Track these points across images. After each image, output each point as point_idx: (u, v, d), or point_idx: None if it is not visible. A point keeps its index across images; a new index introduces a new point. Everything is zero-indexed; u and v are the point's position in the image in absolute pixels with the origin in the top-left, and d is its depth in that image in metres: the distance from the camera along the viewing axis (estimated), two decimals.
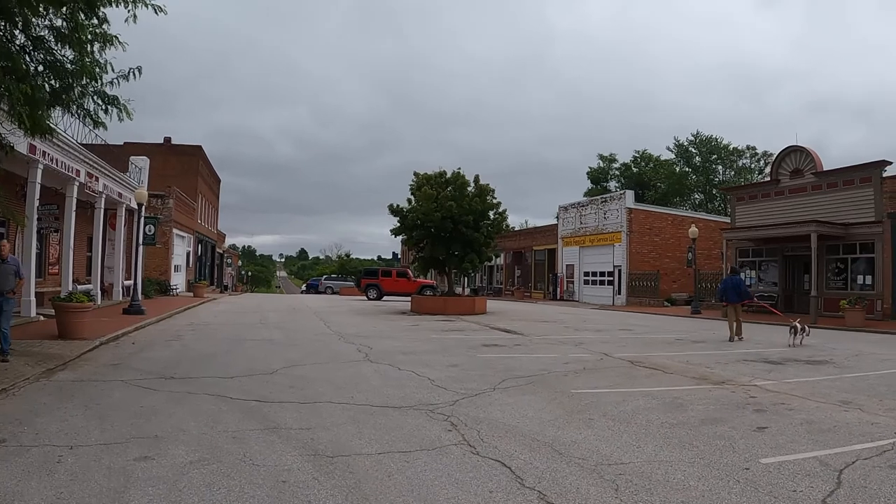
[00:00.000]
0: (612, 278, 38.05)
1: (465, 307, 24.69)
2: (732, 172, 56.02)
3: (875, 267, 20.77)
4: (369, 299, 35.43)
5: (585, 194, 59.81)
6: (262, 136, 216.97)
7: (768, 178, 25.21)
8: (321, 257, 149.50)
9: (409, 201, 25.53)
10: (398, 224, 25.88)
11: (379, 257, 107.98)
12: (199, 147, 45.86)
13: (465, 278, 59.46)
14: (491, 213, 25.60)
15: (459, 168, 25.54)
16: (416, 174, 25.82)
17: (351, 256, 71.03)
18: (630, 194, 37.13)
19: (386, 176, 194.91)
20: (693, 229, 27.82)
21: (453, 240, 24.74)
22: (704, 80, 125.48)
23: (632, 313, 27.40)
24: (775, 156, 24.59)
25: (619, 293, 36.96)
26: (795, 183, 23.82)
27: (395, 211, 25.58)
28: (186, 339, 12.68)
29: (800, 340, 12.92)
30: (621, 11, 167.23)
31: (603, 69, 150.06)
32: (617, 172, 64.00)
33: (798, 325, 13.11)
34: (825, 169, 22.72)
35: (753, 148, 55.45)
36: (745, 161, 56.01)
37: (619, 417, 6.17)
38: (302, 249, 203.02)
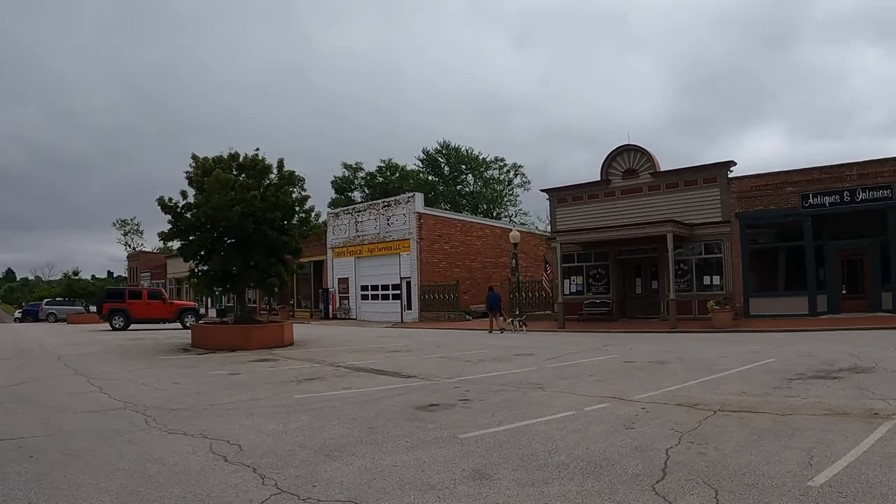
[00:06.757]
0: (398, 292, 34.00)
1: (273, 337, 18.05)
2: (481, 183, 57.19)
3: (723, 267, 20.69)
4: (114, 328, 27.91)
5: (330, 205, 55.45)
6: None
7: (597, 179, 23.85)
8: (31, 278, 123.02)
9: (185, 194, 18.00)
10: (171, 226, 17.95)
11: (93, 276, 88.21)
12: None
13: (209, 299, 49.45)
14: (297, 210, 19.48)
15: (258, 149, 18.88)
16: (195, 157, 18.29)
17: (79, 276, 54.71)
18: (420, 197, 33.53)
19: (115, 189, 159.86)
20: (514, 233, 25.49)
21: (254, 245, 17.95)
22: (453, 105, 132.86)
23: (456, 331, 23.80)
24: (606, 155, 23.47)
25: (410, 308, 33.07)
26: (629, 183, 22.94)
27: (167, 207, 17.60)
28: None
29: (524, 331, 20.84)
30: (385, 32, 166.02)
31: (359, 88, 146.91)
32: (362, 182, 60.89)
33: (517, 321, 21.17)
34: (664, 169, 22.22)
35: (502, 159, 57.56)
36: (493, 172, 57.76)
37: None
38: (9, 269, 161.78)
